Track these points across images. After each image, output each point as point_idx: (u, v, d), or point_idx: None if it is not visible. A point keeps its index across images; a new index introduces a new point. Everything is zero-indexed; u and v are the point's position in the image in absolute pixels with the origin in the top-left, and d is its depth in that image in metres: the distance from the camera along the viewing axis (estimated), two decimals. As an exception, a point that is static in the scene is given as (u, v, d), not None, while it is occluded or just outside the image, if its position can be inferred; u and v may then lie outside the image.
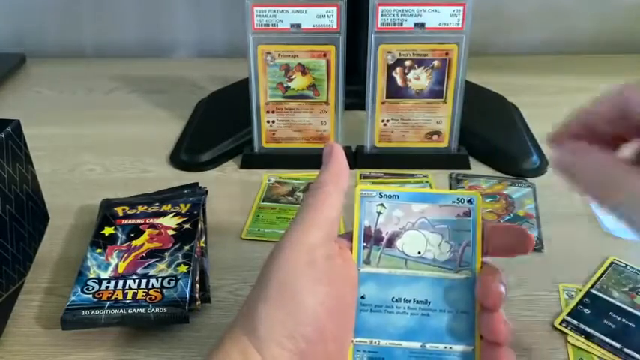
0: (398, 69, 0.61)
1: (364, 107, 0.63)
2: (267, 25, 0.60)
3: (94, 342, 0.44)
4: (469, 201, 0.36)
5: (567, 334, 0.44)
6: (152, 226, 0.52)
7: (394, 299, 0.35)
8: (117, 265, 0.47)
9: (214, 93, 0.82)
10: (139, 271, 0.47)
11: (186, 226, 0.51)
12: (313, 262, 0.32)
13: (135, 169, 0.67)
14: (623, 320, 0.45)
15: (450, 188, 0.62)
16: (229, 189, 0.62)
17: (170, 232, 0.51)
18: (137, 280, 0.46)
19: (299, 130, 0.65)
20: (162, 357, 0.43)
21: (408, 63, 0.61)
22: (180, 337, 0.44)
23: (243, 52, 0.62)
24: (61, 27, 0.99)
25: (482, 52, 0.91)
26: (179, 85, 0.87)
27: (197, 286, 0.46)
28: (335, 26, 0.60)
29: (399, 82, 0.62)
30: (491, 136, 0.68)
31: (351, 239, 0.36)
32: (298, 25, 0.60)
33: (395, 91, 0.62)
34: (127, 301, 0.44)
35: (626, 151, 0.32)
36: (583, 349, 0.43)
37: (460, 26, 0.59)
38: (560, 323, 0.45)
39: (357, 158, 0.65)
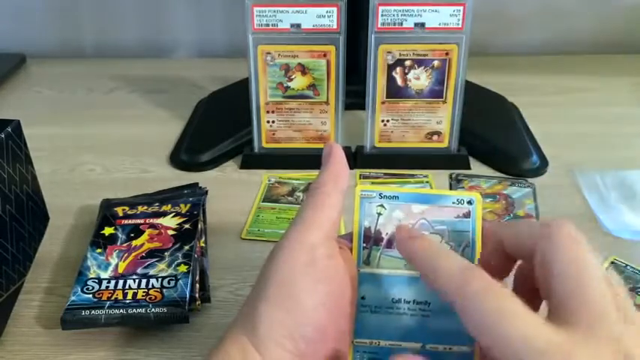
0: (398, 69, 0.61)
1: (364, 107, 0.63)
2: (267, 25, 0.60)
3: (94, 342, 0.44)
4: (469, 202, 0.36)
5: (567, 334, 0.44)
6: (152, 226, 0.52)
7: (394, 300, 0.35)
8: (117, 265, 0.47)
9: (214, 93, 0.82)
10: (139, 271, 0.47)
11: (186, 226, 0.51)
12: (313, 262, 0.32)
13: (135, 169, 0.67)
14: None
15: (450, 188, 0.62)
16: (229, 189, 0.62)
17: (170, 232, 0.51)
18: (137, 280, 0.46)
19: (299, 130, 0.65)
20: (162, 357, 0.43)
21: (408, 63, 0.61)
22: (180, 337, 0.44)
23: (243, 52, 0.62)
24: (61, 27, 0.99)
25: (483, 52, 0.91)
26: (179, 85, 0.87)
27: (197, 286, 0.46)
28: (335, 26, 0.60)
29: (399, 82, 0.62)
30: (491, 136, 0.68)
31: (351, 240, 0.36)
32: (298, 25, 0.60)
33: (395, 91, 0.62)
34: (127, 301, 0.44)
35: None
36: (583, 349, 0.42)
37: (460, 26, 0.59)
38: (560, 323, 0.45)
39: (357, 158, 0.65)
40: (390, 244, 0.35)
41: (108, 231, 0.51)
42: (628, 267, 0.50)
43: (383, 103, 0.63)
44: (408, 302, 0.35)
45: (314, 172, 0.36)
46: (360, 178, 0.63)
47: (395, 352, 0.35)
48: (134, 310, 0.43)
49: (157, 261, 0.48)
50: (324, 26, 0.60)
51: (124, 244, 0.50)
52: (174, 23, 0.98)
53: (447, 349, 0.34)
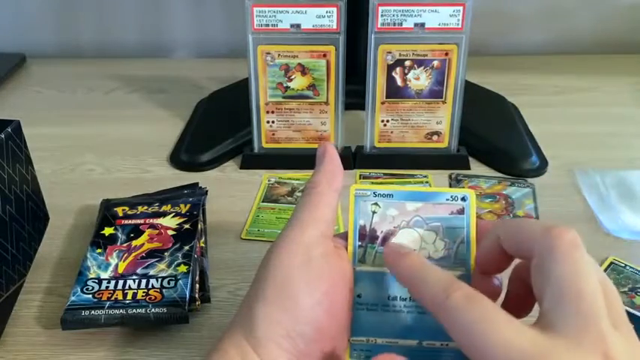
0: (398, 69, 0.61)
1: (364, 107, 0.63)
2: (267, 25, 0.60)
3: (94, 342, 0.44)
4: (463, 198, 0.36)
5: (567, 334, 0.44)
6: (152, 226, 0.52)
7: (390, 298, 0.35)
8: (117, 266, 0.48)
9: (214, 93, 0.82)
10: (139, 271, 0.47)
11: (186, 226, 0.51)
12: (309, 261, 0.32)
13: (135, 169, 0.67)
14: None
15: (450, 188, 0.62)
16: (229, 189, 0.62)
17: (170, 232, 0.51)
18: (137, 281, 0.46)
19: (299, 130, 0.65)
20: (162, 357, 0.43)
21: (407, 63, 0.61)
22: (181, 337, 0.44)
23: (243, 52, 0.62)
24: (61, 27, 0.99)
25: (483, 52, 0.91)
26: (179, 85, 0.87)
27: (197, 286, 0.46)
28: (335, 26, 0.60)
29: (399, 82, 0.62)
30: (491, 136, 0.68)
31: (346, 239, 0.36)
32: (298, 26, 0.60)
33: (395, 92, 0.62)
34: (127, 301, 0.44)
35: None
36: (583, 350, 0.42)
37: (460, 26, 0.59)
38: (560, 323, 0.45)
39: (357, 158, 0.65)
40: (385, 241, 0.36)
41: (108, 231, 0.51)
42: (627, 267, 0.50)
43: (383, 103, 0.63)
44: (404, 299, 0.35)
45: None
46: (359, 178, 0.63)
47: (392, 349, 0.35)
48: (134, 310, 0.43)
49: (156, 261, 0.48)
50: (324, 26, 0.60)
51: (124, 244, 0.50)
52: (174, 23, 0.98)
53: (444, 345, 0.34)
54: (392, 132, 0.64)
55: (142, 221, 0.52)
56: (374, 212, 0.36)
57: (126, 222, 0.52)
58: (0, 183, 0.46)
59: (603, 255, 0.51)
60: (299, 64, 0.61)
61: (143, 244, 0.50)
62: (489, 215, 0.57)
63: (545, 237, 0.29)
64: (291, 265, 0.32)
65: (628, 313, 0.45)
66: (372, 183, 0.63)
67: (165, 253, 0.49)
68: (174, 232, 0.51)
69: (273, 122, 0.64)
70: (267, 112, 0.64)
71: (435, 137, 0.65)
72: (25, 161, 0.52)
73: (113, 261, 0.48)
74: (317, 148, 0.37)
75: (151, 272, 0.47)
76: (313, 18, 0.60)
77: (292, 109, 0.64)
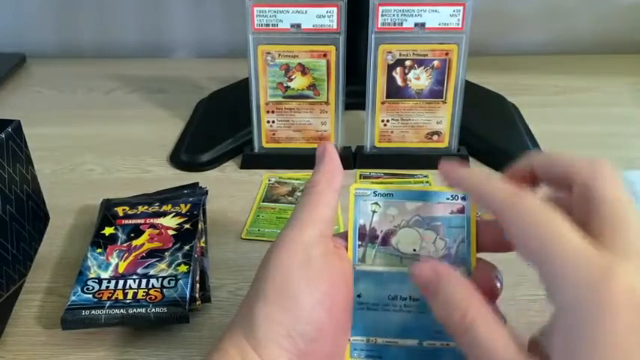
0: (398, 69, 0.61)
1: (364, 107, 0.63)
2: (267, 25, 0.60)
3: (94, 342, 0.44)
4: (463, 197, 0.36)
5: (567, 334, 0.44)
6: (152, 226, 0.52)
7: (390, 297, 0.35)
8: (117, 265, 0.48)
9: (214, 93, 0.82)
10: (139, 271, 0.47)
11: (187, 226, 0.51)
12: (309, 261, 0.32)
13: (135, 169, 0.67)
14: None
15: (450, 188, 0.62)
16: (229, 189, 0.62)
17: (170, 232, 0.51)
18: (137, 280, 0.46)
19: (299, 130, 0.65)
20: (162, 357, 0.43)
21: (408, 63, 0.61)
22: (181, 337, 0.44)
23: (243, 52, 0.62)
24: (61, 27, 0.99)
25: (483, 52, 0.91)
26: (179, 85, 0.87)
27: (197, 286, 0.46)
28: (335, 26, 0.60)
29: (399, 82, 0.62)
30: (491, 136, 0.68)
31: (346, 238, 0.36)
32: (298, 25, 0.60)
33: (395, 91, 0.62)
34: (127, 301, 0.44)
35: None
36: (583, 349, 0.42)
37: (460, 26, 0.59)
38: (560, 323, 0.45)
39: (357, 158, 0.65)
40: (385, 241, 0.36)
41: (108, 231, 0.51)
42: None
43: (383, 103, 0.63)
44: (405, 299, 0.35)
45: (314, 172, 0.36)
46: (360, 178, 0.63)
47: (392, 349, 0.35)
48: (134, 310, 0.43)
49: (157, 261, 0.48)
50: (324, 26, 0.60)
51: (124, 244, 0.50)
52: (174, 23, 0.98)
53: (445, 345, 0.34)
54: (392, 132, 0.64)
55: (142, 221, 0.52)
56: (374, 212, 0.36)
57: (126, 222, 0.52)
58: (0, 183, 0.46)
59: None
60: (299, 63, 0.61)
61: (143, 244, 0.50)
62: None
63: (593, 165, 0.30)
64: (291, 264, 0.32)
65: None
66: (373, 183, 0.63)
67: (166, 253, 0.49)
68: (175, 232, 0.51)
69: (273, 122, 0.64)
70: (268, 111, 0.64)
71: (435, 137, 0.65)
72: (26, 161, 0.52)
73: (113, 261, 0.48)
74: (316, 147, 0.37)
75: (152, 272, 0.47)
76: (313, 18, 0.60)
77: (292, 109, 0.64)
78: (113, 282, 0.46)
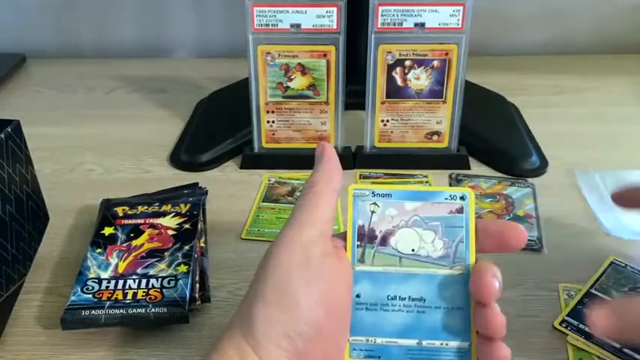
0: (398, 69, 0.61)
1: (364, 107, 0.63)
2: (267, 25, 0.60)
3: (94, 342, 0.44)
4: (461, 197, 0.36)
5: (567, 334, 0.44)
6: (152, 226, 0.52)
7: (389, 297, 0.35)
8: (117, 265, 0.48)
9: (214, 93, 0.82)
10: (139, 271, 0.47)
11: (187, 226, 0.51)
12: (308, 260, 0.32)
13: (135, 169, 0.67)
14: (623, 320, 0.44)
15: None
16: (229, 189, 0.62)
17: (170, 232, 0.51)
18: (137, 280, 0.46)
19: (299, 130, 0.65)
20: (162, 357, 0.43)
21: (408, 63, 0.61)
22: (181, 337, 0.44)
23: (243, 52, 0.62)
24: (61, 27, 0.99)
25: (483, 52, 0.91)
26: (179, 85, 0.87)
27: (197, 286, 0.46)
28: (335, 26, 0.60)
29: (399, 82, 0.62)
30: (491, 136, 0.68)
31: (345, 239, 0.36)
32: (298, 25, 0.60)
33: (395, 91, 0.62)
34: (127, 301, 0.44)
35: None
36: (583, 349, 0.43)
37: (460, 26, 0.59)
38: (560, 323, 0.45)
39: (357, 158, 0.65)
40: (384, 241, 0.36)
41: (108, 231, 0.51)
42: (628, 267, 0.50)
43: (383, 103, 0.63)
44: (404, 299, 0.35)
45: (314, 172, 0.36)
46: (359, 178, 0.63)
47: (391, 348, 0.35)
48: (134, 310, 0.43)
49: (157, 261, 0.48)
50: (324, 26, 0.60)
51: (124, 244, 0.50)
52: (174, 23, 0.98)
53: (444, 344, 0.34)
54: (392, 132, 0.64)
55: (142, 221, 0.52)
56: (373, 212, 0.36)
57: (126, 222, 0.52)
58: (0, 183, 0.46)
59: (603, 255, 0.51)
60: (299, 63, 0.61)
61: (143, 244, 0.50)
62: (489, 215, 0.57)
63: None
64: (290, 264, 0.32)
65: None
66: (372, 183, 0.63)
67: (166, 253, 0.49)
68: (175, 232, 0.51)
69: (273, 122, 0.64)
70: (267, 112, 0.64)
71: (435, 137, 0.65)
72: (25, 161, 0.52)
73: (113, 261, 0.48)
74: (315, 148, 0.37)
75: (151, 272, 0.47)
76: (313, 18, 0.60)
77: (292, 109, 0.64)
78: (113, 282, 0.46)
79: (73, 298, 0.44)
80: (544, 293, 0.48)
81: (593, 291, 0.47)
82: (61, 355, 0.43)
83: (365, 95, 0.63)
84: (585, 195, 0.60)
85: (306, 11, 0.59)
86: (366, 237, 0.36)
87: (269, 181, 0.63)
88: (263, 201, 0.60)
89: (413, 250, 0.35)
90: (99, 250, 0.49)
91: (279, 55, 0.61)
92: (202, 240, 0.52)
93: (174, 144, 0.71)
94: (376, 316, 0.35)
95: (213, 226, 0.56)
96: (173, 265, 0.47)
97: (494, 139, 0.68)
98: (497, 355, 0.33)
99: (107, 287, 0.45)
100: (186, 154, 0.67)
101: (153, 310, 0.43)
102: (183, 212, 0.53)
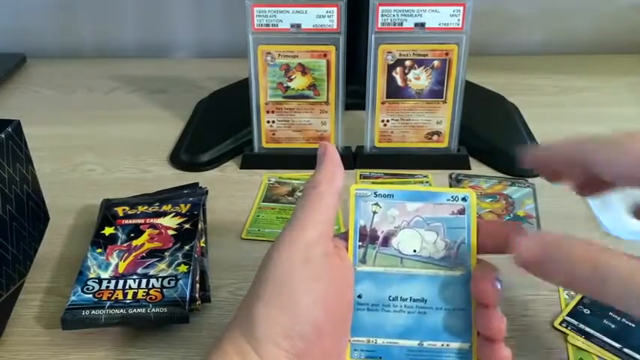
0: (398, 69, 0.61)
1: (364, 107, 0.63)
2: (267, 25, 0.60)
3: (94, 342, 0.44)
4: (463, 198, 0.36)
5: (567, 334, 0.44)
6: (152, 226, 0.52)
7: (391, 298, 0.35)
8: (117, 265, 0.47)
9: (214, 93, 0.82)
10: (139, 271, 0.47)
11: (187, 226, 0.51)
12: (309, 260, 0.32)
13: (135, 169, 0.67)
14: (623, 320, 0.45)
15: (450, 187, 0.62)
16: (229, 189, 0.62)
17: (170, 232, 0.51)
18: (137, 280, 0.46)
19: (299, 130, 0.65)
20: (162, 357, 0.43)
21: (408, 63, 0.61)
22: (181, 337, 0.44)
23: (243, 52, 0.62)
24: (61, 27, 0.99)
25: (483, 52, 0.91)
26: (179, 85, 0.87)
27: (197, 286, 0.46)
28: (335, 26, 0.60)
29: (399, 82, 0.62)
30: (491, 136, 0.68)
31: (346, 239, 0.36)
32: (298, 25, 0.60)
33: (395, 91, 0.62)
34: (127, 301, 0.44)
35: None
36: (583, 349, 0.43)
37: (460, 26, 0.59)
38: (560, 323, 0.45)
39: (357, 158, 0.65)
40: (385, 242, 0.36)
41: (108, 231, 0.51)
42: (628, 267, 0.50)
43: (383, 103, 0.63)
44: (405, 300, 0.35)
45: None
46: (360, 178, 0.63)
47: (392, 349, 0.35)
48: (134, 310, 0.43)
49: (157, 261, 0.48)
50: (324, 26, 0.60)
51: (124, 244, 0.50)
52: (174, 23, 0.98)
53: (445, 345, 0.34)
54: (392, 132, 0.64)
55: (142, 221, 0.52)
56: (374, 212, 0.36)
57: (126, 222, 0.52)
58: (0, 183, 0.46)
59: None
60: (299, 63, 0.61)
61: (143, 244, 0.50)
62: (490, 215, 0.57)
63: None
64: (291, 265, 0.32)
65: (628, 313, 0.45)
66: (373, 183, 0.63)
67: (166, 253, 0.49)
68: (175, 232, 0.51)
69: (273, 122, 0.64)
70: (268, 112, 0.64)
71: (435, 137, 0.65)
72: (25, 161, 0.52)
73: (113, 261, 0.48)
74: (317, 147, 0.37)
75: (152, 272, 0.47)
76: (313, 18, 0.60)
77: (292, 109, 0.64)
78: (113, 282, 0.46)
79: (73, 298, 0.44)
80: (544, 293, 0.48)
81: (593, 291, 0.47)
82: (61, 355, 0.43)
83: (365, 95, 0.63)
84: (585, 195, 0.60)
85: (306, 11, 0.59)
86: (368, 237, 0.36)
87: (269, 181, 0.63)
88: (263, 201, 0.60)
89: (415, 251, 0.35)
90: (99, 250, 0.49)
91: (279, 55, 0.61)
92: (202, 240, 0.52)
93: (174, 144, 0.71)
94: (377, 316, 0.35)
95: (213, 226, 0.56)
96: (173, 265, 0.47)
97: (494, 139, 0.68)
98: (498, 356, 0.34)
99: (107, 287, 0.45)
100: (186, 154, 0.67)
101: (153, 310, 0.43)
102: (183, 212, 0.53)
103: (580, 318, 0.45)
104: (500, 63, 0.92)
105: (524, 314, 0.46)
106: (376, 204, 0.36)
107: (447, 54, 0.60)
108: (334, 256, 0.34)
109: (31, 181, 0.53)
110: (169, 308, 0.43)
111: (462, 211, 0.36)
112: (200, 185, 0.60)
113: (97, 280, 0.46)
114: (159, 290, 0.45)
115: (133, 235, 0.51)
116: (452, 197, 0.36)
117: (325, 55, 0.61)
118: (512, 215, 0.57)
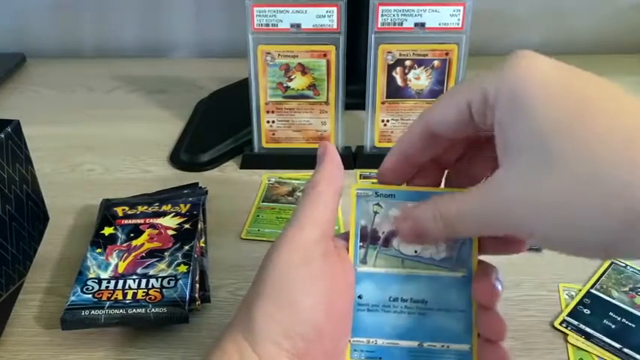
0: (398, 69, 0.61)
1: (364, 107, 0.63)
2: (267, 25, 0.60)
3: (94, 342, 0.44)
4: None
5: (567, 334, 0.44)
6: (152, 226, 0.52)
7: (391, 299, 0.35)
8: (117, 265, 0.47)
9: (214, 93, 0.82)
10: (139, 271, 0.47)
11: (186, 226, 0.51)
12: (309, 260, 0.32)
13: (135, 169, 0.67)
14: (623, 320, 0.45)
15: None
16: (229, 189, 0.62)
17: (170, 232, 0.51)
18: (137, 280, 0.46)
19: (299, 130, 0.65)
20: (162, 357, 0.43)
21: (408, 63, 0.61)
22: (180, 337, 0.44)
23: (243, 52, 0.62)
24: (61, 27, 0.99)
25: (483, 52, 0.91)
26: (179, 85, 0.87)
27: (197, 286, 0.46)
28: (335, 26, 0.60)
29: (399, 82, 0.62)
30: (491, 136, 0.68)
31: (347, 239, 0.36)
32: (298, 25, 0.60)
33: (395, 91, 0.62)
34: (127, 301, 0.44)
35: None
36: (583, 350, 0.43)
37: (460, 26, 0.59)
38: (561, 323, 0.45)
39: (357, 158, 0.65)
40: (386, 242, 0.35)
41: (108, 231, 0.51)
42: (628, 267, 0.50)
43: (383, 103, 0.63)
44: (405, 300, 0.35)
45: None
46: (360, 178, 0.63)
47: (392, 350, 0.35)
48: (134, 310, 0.43)
49: (156, 261, 0.48)
50: (324, 26, 0.60)
51: (124, 244, 0.50)
52: (174, 23, 0.98)
53: (445, 346, 0.34)
54: (392, 132, 0.64)
55: (141, 221, 0.52)
56: (376, 212, 0.36)
57: (126, 222, 0.52)
58: (0, 183, 0.46)
59: (603, 255, 0.51)
60: (299, 63, 0.61)
61: (143, 244, 0.50)
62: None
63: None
64: (291, 265, 0.32)
65: (628, 313, 0.45)
66: (373, 183, 0.62)
67: (166, 253, 0.49)
68: (174, 232, 0.51)
69: (273, 122, 0.64)
70: (267, 111, 0.64)
71: (435, 137, 0.65)
72: (25, 161, 0.52)
73: (113, 261, 0.48)
74: (317, 147, 0.37)
75: (151, 272, 0.47)
76: (313, 18, 0.60)
77: (292, 109, 0.64)
78: (113, 282, 0.46)
79: (72, 298, 0.44)
80: (544, 293, 0.48)
81: (593, 291, 0.47)
82: (61, 355, 0.43)
83: (365, 95, 0.63)
84: (585, 195, 0.60)
85: (306, 11, 0.59)
86: (369, 238, 0.36)
87: (269, 181, 0.63)
88: (263, 201, 0.60)
89: (416, 252, 0.35)
90: (99, 250, 0.49)
91: (279, 55, 0.61)
92: (202, 240, 0.52)
93: (174, 144, 0.71)
94: (378, 317, 0.35)
95: (213, 226, 0.56)
96: (173, 265, 0.47)
97: (494, 139, 0.68)
98: (499, 357, 0.33)
99: (107, 287, 0.45)
100: (186, 154, 0.67)
101: (153, 310, 0.43)
102: (183, 212, 0.53)
103: (580, 318, 0.45)
104: (500, 63, 0.91)
105: (524, 314, 0.46)
106: (377, 204, 0.36)
107: (446, 54, 0.60)
108: (334, 256, 0.34)
109: (31, 181, 0.53)
110: (169, 308, 0.43)
111: None
112: (200, 185, 0.60)
113: (96, 280, 0.46)
114: (158, 290, 0.45)
115: (132, 235, 0.51)
116: None
117: (325, 55, 0.61)
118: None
